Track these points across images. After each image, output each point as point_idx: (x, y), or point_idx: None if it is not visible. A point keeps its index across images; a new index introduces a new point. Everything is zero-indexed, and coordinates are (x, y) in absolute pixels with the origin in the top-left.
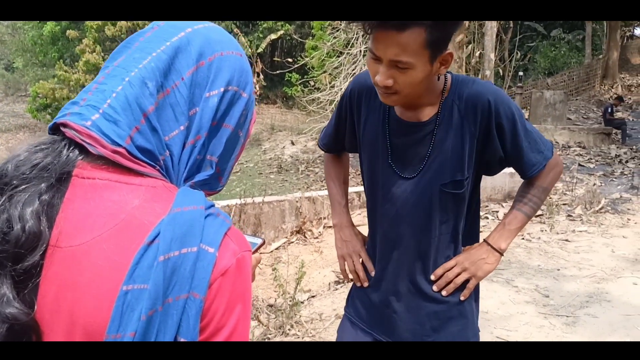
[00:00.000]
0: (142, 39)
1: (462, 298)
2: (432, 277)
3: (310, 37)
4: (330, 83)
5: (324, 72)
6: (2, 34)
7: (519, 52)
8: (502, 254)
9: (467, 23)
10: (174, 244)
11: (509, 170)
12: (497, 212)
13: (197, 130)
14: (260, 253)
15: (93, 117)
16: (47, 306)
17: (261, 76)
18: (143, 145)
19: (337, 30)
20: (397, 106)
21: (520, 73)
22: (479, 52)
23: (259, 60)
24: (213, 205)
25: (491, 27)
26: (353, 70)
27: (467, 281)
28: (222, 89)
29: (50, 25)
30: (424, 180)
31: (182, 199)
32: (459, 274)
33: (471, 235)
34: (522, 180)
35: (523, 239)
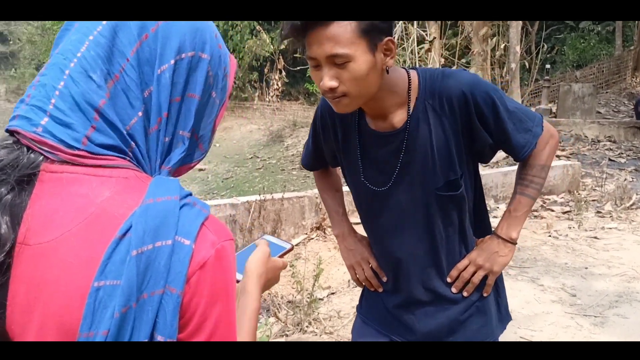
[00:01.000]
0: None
1: (484, 294)
2: (448, 280)
3: None
4: None
5: None
6: (32, 34)
7: (545, 45)
8: (514, 244)
9: None
10: (147, 237)
11: None
12: None
13: (156, 112)
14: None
15: (42, 121)
16: (18, 306)
17: (283, 73)
18: (104, 142)
19: None
20: (367, 117)
21: (548, 66)
22: (503, 45)
23: (281, 57)
24: (189, 195)
25: None
26: None
27: (485, 277)
28: (173, 61)
29: None
30: (415, 188)
31: (155, 190)
32: (474, 273)
33: (483, 229)
34: (557, 175)
35: (550, 236)
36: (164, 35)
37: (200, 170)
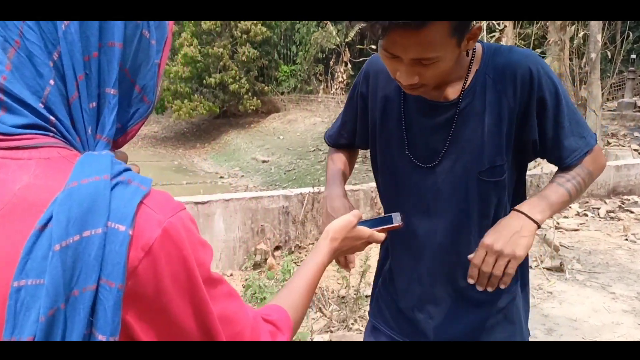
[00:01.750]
0: None
1: (502, 286)
2: (470, 281)
3: None
4: None
5: None
6: None
7: (631, 34)
8: (538, 226)
9: None
10: (71, 228)
11: (615, 162)
12: (599, 208)
13: (71, 76)
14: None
15: None
16: None
17: (349, 65)
18: (16, 122)
19: None
20: None
21: (633, 56)
22: (583, 34)
23: (347, 49)
24: (126, 170)
25: None
26: None
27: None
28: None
29: None
30: (457, 169)
31: (80, 170)
32: (495, 263)
33: None
34: (639, 174)
35: (626, 239)
36: None
37: (264, 162)
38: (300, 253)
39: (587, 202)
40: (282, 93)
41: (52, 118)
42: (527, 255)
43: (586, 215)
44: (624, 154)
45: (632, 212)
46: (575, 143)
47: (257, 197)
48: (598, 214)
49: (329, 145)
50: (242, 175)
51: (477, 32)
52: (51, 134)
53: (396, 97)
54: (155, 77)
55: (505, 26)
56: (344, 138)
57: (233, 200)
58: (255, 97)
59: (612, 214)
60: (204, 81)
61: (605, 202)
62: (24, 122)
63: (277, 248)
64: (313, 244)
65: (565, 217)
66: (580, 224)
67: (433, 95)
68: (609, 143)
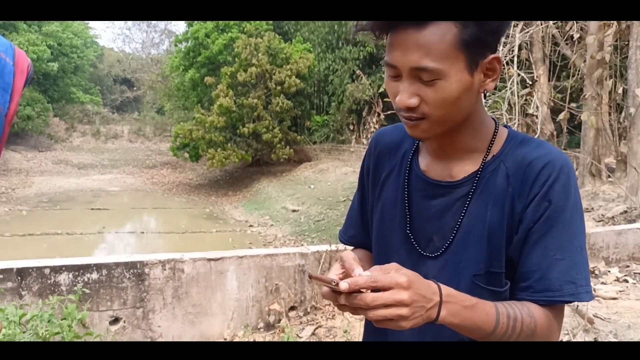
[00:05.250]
0: None
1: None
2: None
3: None
4: None
5: None
6: (154, 82)
7: None
8: (434, 320)
9: (606, 55)
10: None
11: None
12: None
13: None
14: None
15: None
16: None
17: (381, 116)
18: None
19: None
20: (422, 154)
21: None
22: (621, 88)
23: (379, 100)
24: None
25: (636, 59)
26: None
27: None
28: None
29: (191, 73)
30: (450, 265)
31: None
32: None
33: None
34: None
35: None
36: None
37: (294, 211)
38: (315, 315)
39: (627, 267)
40: (314, 142)
41: None
42: None
43: (626, 281)
44: None
45: None
46: (557, 281)
47: (272, 255)
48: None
49: (346, 244)
50: (272, 224)
51: (496, 66)
52: None
53: (401, 171)
54: None
55: (536, 81)
56: (363, 232)
57: (247, 257)
58: (287, 146)
59: None
60: (238, 130)
61: None
62: None
63: (292, 308)
64: (329, 304)
65: (602, 282)
66: (620, 291)
67: (437, 173)
68: None
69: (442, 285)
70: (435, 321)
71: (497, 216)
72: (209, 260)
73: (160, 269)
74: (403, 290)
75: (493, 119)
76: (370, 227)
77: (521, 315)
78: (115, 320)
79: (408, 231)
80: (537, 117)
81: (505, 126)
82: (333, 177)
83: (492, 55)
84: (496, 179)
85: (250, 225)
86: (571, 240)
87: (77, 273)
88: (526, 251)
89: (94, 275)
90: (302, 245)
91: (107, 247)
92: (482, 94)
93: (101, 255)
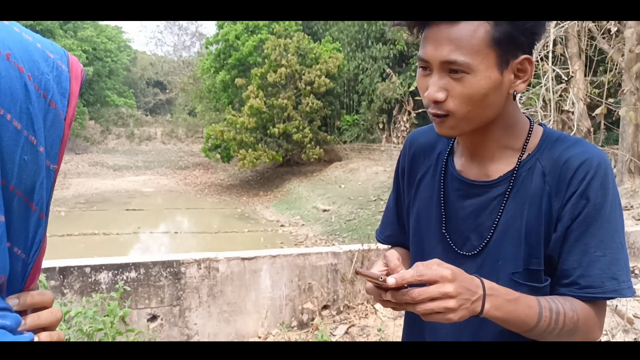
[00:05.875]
0: None
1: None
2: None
3: None
4: None
5: None
6: (185, 84)
7: None
8: (479, 313)
9: None
10: None
11: None
12: None
13: None
14: None
15: None
16: None
17: (412, 114)
18: None
19: None
20: (458, 154)
21: None
22: None
23: (410, 98)
24: None
25: None
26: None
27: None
28: None
29: (222, 74)
30: (488, 263)
31: None
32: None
33: None
34: None
35: None
36: None
37: (324, 210)
38: (348, 313)
39: None
40: (345, 142)
41: None
42: None
43: None
44: None
45: None
46: (599, 278)
47: (305, 254)
48: None
49: (384, 244)
50: (303, 224)
51: (528, 67)
52: None
53: (436, 171)
54: (60, 145)
55: (572, 76)
56: (399, 232)
57: (280, 256)
58: (317, 146)
59: None
60: (269, 131)
61: None
62: None
63: (325, 307)
64: (363, 304)
65: None
66: None
67: (473, 173)
68: None
69: (484, 280)
70: (480, 314)
71: (534, 215)
72: (243, 259)
73: (195, 268)
74: (448, 283)
75: (527, 117)
76: (407, 227)
77: (564, 309)
78: (153, 318)
79: (444, 231)
80: (573, 113)
81: (540, 124)
82: (364, 176)
83: (524, 56)
84: (532, 177)
85: (282, 225)
86: (612, 236)
87: (116, 272)
88: (566, 249)
89: (132, 274)
90: (334, 244)
91: (142, 247)
92: (513, 95)
93: (138, 255)
